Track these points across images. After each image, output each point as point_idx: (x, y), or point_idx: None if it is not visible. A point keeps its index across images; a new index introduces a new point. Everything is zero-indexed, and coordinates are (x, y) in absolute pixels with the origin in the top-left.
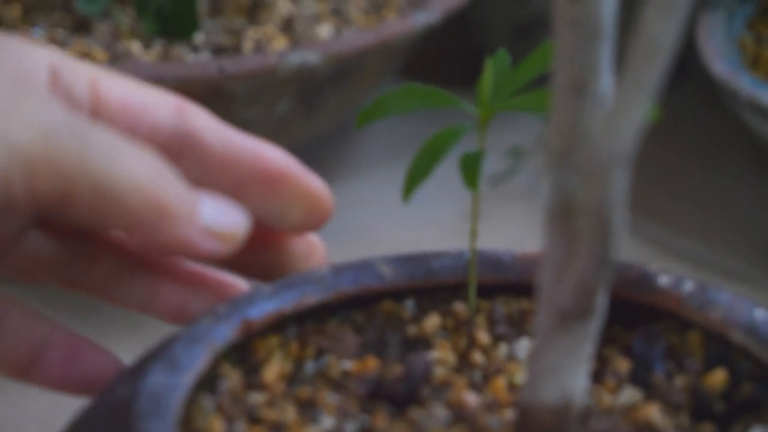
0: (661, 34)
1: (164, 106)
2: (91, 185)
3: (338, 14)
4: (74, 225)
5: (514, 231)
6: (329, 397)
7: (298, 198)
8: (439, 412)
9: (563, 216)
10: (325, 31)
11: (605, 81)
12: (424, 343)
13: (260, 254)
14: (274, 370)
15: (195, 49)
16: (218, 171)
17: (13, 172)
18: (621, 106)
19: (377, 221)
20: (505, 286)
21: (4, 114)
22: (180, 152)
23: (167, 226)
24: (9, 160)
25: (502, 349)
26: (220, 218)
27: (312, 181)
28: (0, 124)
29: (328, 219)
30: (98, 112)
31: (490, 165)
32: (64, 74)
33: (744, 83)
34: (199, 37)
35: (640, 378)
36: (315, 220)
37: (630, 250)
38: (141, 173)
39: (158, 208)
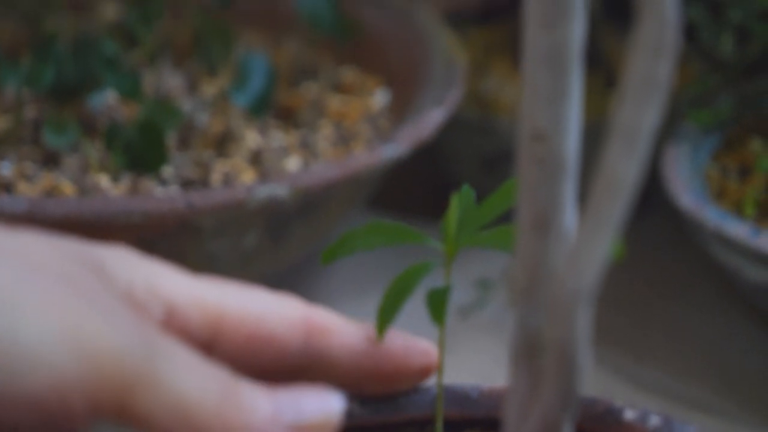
0: (623, 172)
1: (292, 330)
2: (156, 400)
3: (306, 147)
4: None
5: (482, 364)
6: None
7: (410, 380)
8: None
9: (528, 352)
10: (293, 163)
11: (569, 218)
12: None
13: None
14: None
15: (163, 182)
16: (342, 379)
17: (78, 384)
18: (584, 243)
19: None
20: (472, 421)
21: (79, 325)
22: (307, 369)
23: None
24: (77, 371)
25: None
26: (307, 411)
27: (425, 358)
28: (73, 334)
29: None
30: (216, 345)
31: (458, 297)
32: (181, 310)
33: (710, 215)
34: (167, 170)
35: None
36: (423, 381)
37: (596, 380)
38: (208, 390)
39: (228, 426)
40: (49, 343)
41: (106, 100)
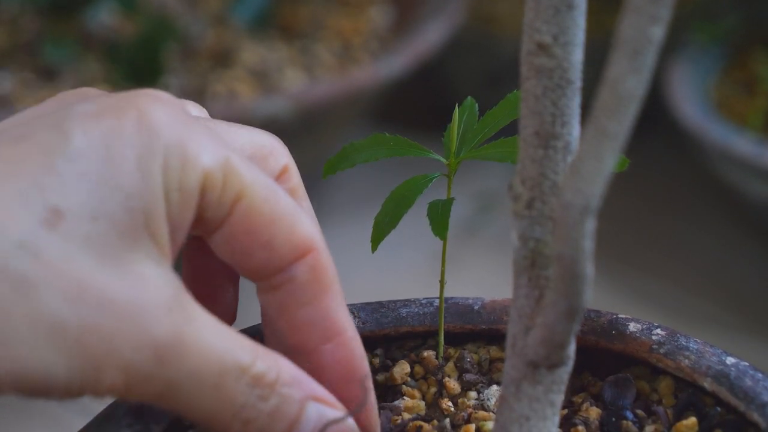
0: (628, 85)
1: (287, 249)
2: (173, 406)
3: (307, 60)
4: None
5: (486, 276)
6: None
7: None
8: None
9: (531, 265)
10: (295, 77)
11: (572, 131)
12: (393, 390)
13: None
14: None
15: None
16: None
17: (111, 386)
18: (588, 155)
19: (348, 268)
20: (474, 334)
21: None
22: (278, 285)
23: None
24: (116, 380)
25: (472, 396)
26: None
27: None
28: (112, 342)
29: None
30: (219, 230)
31: (462, 209)
32: (210, 193)
33: (714, 131)
34: (169, 83)
35: (610, 426)
36: None
37: (600, 294)
38: (221, 414)
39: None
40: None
41: (104, 15)
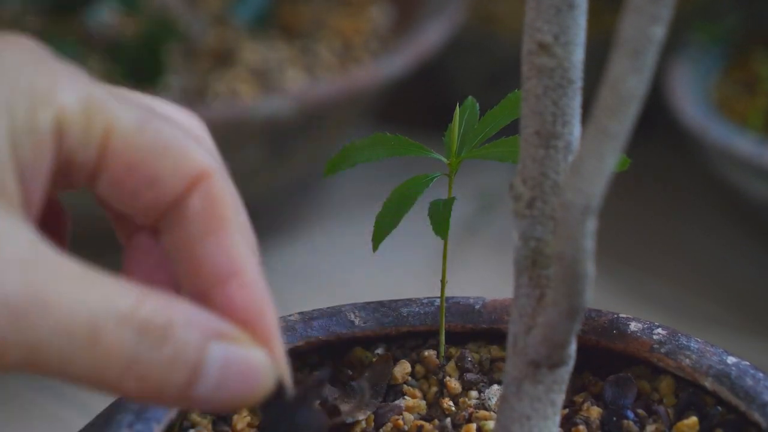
0: (629, 85)
1: (176, 181)
2: (48, 327)
3: (308, 60)
4: None
5: (487, 276)
6: None
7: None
8: None
9: (532, 265)
10: (296, 77)
11: (573, 130)
12: (394, 390)
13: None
14: (244, 419)
15: (165, 94)
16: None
17: None
18: (589, 155)
19: (349, 267)
20: (475, 333)
21: None
22: (172, 223)
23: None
24: None
25: (473, 396)
26: (228, 381)
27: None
28: None
29: None
30: (99, 173)
31: (463, 209)
32: (71, 133)
33: (715, 131)
34: (169, 82)
35: (611, 425)
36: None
37: (601, 294)
38: (108, 371)
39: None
40: None
41: (106, 15)
